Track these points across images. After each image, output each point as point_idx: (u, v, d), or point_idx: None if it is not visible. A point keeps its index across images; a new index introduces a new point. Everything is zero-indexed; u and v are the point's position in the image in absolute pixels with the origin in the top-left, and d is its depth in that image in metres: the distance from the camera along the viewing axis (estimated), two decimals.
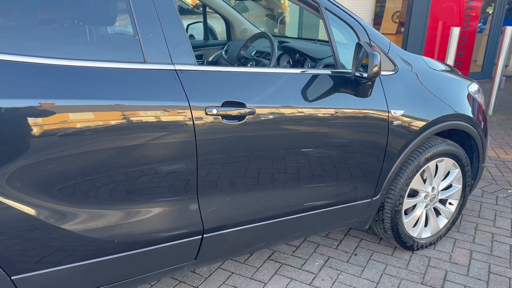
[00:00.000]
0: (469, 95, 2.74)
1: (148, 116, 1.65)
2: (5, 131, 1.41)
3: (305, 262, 2.62)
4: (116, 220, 1.69)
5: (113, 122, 1.58)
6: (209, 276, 2.47)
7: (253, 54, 2.86)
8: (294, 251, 2.72)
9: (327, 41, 2.22)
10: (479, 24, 10.63)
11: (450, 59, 5.50)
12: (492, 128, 5.50)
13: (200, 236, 1.91)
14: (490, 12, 8.82)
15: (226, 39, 3.48)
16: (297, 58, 2.65)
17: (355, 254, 2.72)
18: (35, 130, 1.46)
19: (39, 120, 1.46)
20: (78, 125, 1.53)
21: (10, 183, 1.45)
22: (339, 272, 2.53)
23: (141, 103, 1.64)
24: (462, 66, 6.43)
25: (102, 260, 1.70)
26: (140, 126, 1.64)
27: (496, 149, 4.74)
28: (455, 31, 5.47)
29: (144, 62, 1.68)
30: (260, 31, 2.88)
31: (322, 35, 5.27)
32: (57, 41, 1.58)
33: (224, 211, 1.94)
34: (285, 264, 2.59)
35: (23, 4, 1.54)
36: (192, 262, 2.00)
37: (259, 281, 2.44)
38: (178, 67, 1.74)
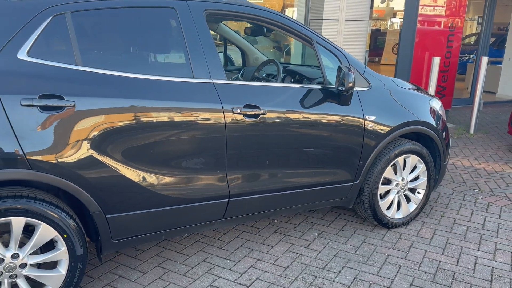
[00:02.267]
0: (430, 108, 3.55)
1: (196, 113, 2.48)
2: (114, 122, 2.24)
3: (303, 234, 3.38)
4: (174, 182, 2.49)
5: (174, 117, 2.41)
6: (230, 242, 3.23)
7: (263, 75, 3.71)
8: (295, 228, 3.49)
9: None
10: (471, 55, 11.55)
11: (433, 84, 6.33)
12: (471, 144, 6.28)
13: (227, 200, 2.70)
14: (471, 43, 9.72)
15: (241, 65, 4.34)
16: (297, 78, 3.50)
17: (343, 230, 3.48)
18: (129, 122, 2.28)
19: (133, 114, 2.29)
20: (155, 119, 2.36)
21: (117, 155, 2.26)
22: (329, 240, 3.29)
23: (192, 105, 2.47)
24: (446, 91, 7.26)
25: (162, 210, 2.49)
26: (191, 120, 2.46)
27: (471, 160, 5.51)
28: (436, 60, 6.33)
29: (193, 77, 2.52)
30: (269, 58, 3.74)
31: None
32: (143, 63, 2.45)
33: (243, 183, 2.73)
34: (288, 235, 3.36)
35: (120, 40, 2.40)
36: (220, 220, 2.78)
37: (268, 245, 3.20)
38: (214, 81, 2.57)
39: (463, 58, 11.39)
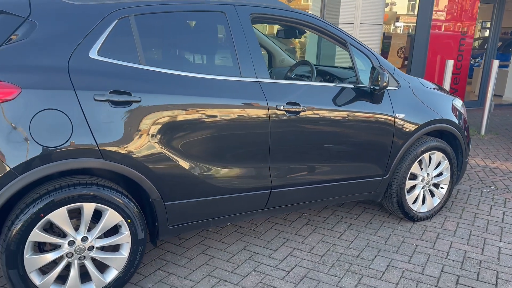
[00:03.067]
0: (453, 106, 3.74)
1: (244, 109, 2.67)
2: (173, 117, 2.43)
3: (333, 226, 3.56)
4: (224, 173, 2.68)
5: (225, 113, 2.60)
6: (265, 232, 3.42)
7: (293, 76, 3.90)
8: (324, 220, 3.68)
9: (347, 67, 3.24)
10: (477, 59, 11.75)
11: (446, 87, 6.52)
12: (483, 144, 6.46)
13: (269, 191, 2.89)
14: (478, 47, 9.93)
15: (268, 67, 4.54)
16: (327, 78, 3.69)
17: (371, 223, 3.66)
18: (186, 117, 2.48)
19: (189, 110, 2.48)
20: (207, 115, 2.55)
21: (176, 147, 2.45)
22: (359, 232, 3.48)
23: (241, 102, 2.66)
24: (457, 93, 7.46)
25: (213, 198, 2.68)
26: (240, 115, 2.65)
27: (485, 159, 5.69)
28: (450, 63, 6.53)
29: (241, 76, 2.72)
30: (302, 60, 3.95)
31: (336, 63, 6.29)
32: (197, 63, 2.64)
33: (284, 175, 2.92)
34: (319, 227, 3.54)
35: (177, 41, 2.60)
36: (262, 210, 2.97)
37: (302, 235, 3.38)
38: (259, 79, 2.77)
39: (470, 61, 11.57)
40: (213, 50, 2.85)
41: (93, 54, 2.30)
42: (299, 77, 3.87)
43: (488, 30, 12.12)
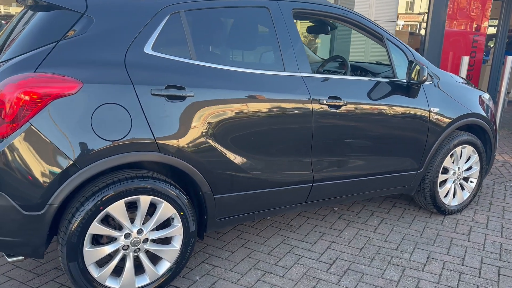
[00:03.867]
0: (483, 101, 3.78)
1: (289, 103, 2.69)
2: (223, 111, 2.46)
3: (366, 220, 3.60)
4: (269, 166, 2.70)
5: (271, 107, 2.63)
6: (299, 226, 3.45)
7: (323, 70, 3.93)
8: (357, 214, 3.71)
9: (375, 62, 3.26)
10: (484, 57, 11.81)
11: None
12: (499, 140, 6.51)
13: (311, 184, 2.92)
14: (492, 46, 9.99)
15: None
16: (359, 73, 3.73)
17: (403, 216, 3.70)
18: (235, 111, 2.50)
19: (238, 104, 2.51)
20: (254, 109, 2.58)
21: (225, 141, 2.48)
22: (393, 226, 3.51)
23: (285, 96, 2.69)
24: None
25: (258, 192, 2.71)
26: (285, 109, 2.68)
27: (503, 154, 5.74)
28: (465, 60, 6.57)
29: (284, 71, 2.74)
30: (335, 55, 3.98)
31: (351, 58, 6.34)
32: (244, 57, 2.67)
33: (325, 169, 2.95)
34: (352, 221, 3.58)
35: (224, 36, 2.63)
36: (302, 204, 3.00)
37: (337, 229, 3.42)
38: (302, 74, 2.80)
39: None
40: (258, 45, 2.87)
41: (148, 49, 2.33)
42: (329, 72, 3.90)
43: (495, 27, 12.21)
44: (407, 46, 3.34)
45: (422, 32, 8.11)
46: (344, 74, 3.54)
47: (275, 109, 2.65)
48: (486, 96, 3.92)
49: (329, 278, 2.73)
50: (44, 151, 2.06)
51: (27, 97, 2.02)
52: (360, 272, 2.82)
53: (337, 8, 3.04)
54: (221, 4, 2.60)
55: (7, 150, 2.02)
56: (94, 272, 2.28)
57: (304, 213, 3.70)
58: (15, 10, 7.59)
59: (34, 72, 2.08)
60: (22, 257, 2.25)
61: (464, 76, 6.54)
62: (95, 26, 2.24)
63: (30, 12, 2.43)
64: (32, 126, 2.03)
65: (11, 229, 2.09)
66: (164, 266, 2.48)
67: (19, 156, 2.03)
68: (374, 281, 2.72)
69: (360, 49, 7.26)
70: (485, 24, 7.49)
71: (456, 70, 6.83)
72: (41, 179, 2.07)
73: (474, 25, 7.35)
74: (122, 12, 2.32)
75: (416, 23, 8.81)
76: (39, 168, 2.06)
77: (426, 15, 7.46)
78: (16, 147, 2.02)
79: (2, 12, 7.45)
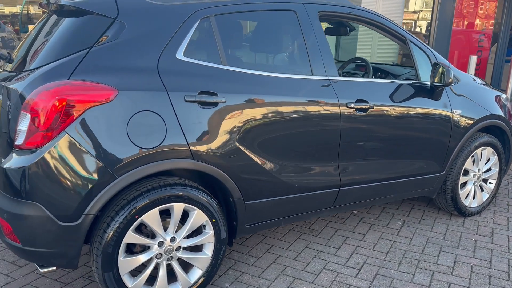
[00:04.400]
0: (502, 102, 3.77)
1: (317, 107, 2.67)
2: (254, 117, 2.42)
3: (388, 223, 3.58)
4: (297, 172, 2.68)
5: (301, 111, 2.60)
6: (321, 230, 3.42)
7: (342, 72, 3.90)
8: (377, 217, 3.69)
9: (393, 64, 3.23)
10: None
11: None
12: None
13: (338, 189, 2.90)
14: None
15: None
16: (378, 75, 3.70)
17: (423, 219, 3.69)
18: (265, 116, 2.47)
19: (268, 109, 2.48)
20: (285, 114, 2.55)
21: (255, 146, 2.45)
22: (415, 229, 3.50)
23: (314, 100, 2.66)
24: None
25: (287, 197, 2.68)
26: (315, 113, 2.65)
27: None
28: (473, 59, 6.57)
29: (312, 74, 2.72)
30: (356, 57, 3.95)
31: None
32: (273, 62, 2.64)
33: (352, 173, 2.93)
34: (374, 224, 3.56)
35: (253, 40, 2.59)
36: (329, 208, 2.98)
37: (360, 233, 3.40)
38: (329, 77, 2.77)
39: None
40: (286, 49, 2.84)
41: (180, 55, 2.29)
42: (349, 74, 3.88)
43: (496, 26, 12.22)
44: (430, 48, 3.32)
45: (421, 30, 8.11)
46: (363, 76, 3.52)
47: (304, 114, 2.62)
48: (504, 96, 3.91)
49: (360, 284, 2.71)
50: (80, 160, 2.02)
51: (62, 105, 1.98)
52: (390, 277, 2.80)
53: (361, 10, 3.02)
54: (249, 8, 2.57)
55: (42, 160, 1.97)
56: (128, 282, 2.24)
57: (324, 216, 3.68)
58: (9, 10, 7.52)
59: (68, 79, 2.04)
60: (54, 268, 2.21)
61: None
62: (127, 31, 2.20)
63: (55, 18, 2.40)
64: (68, 135, 1.99)
65: (46, 240, 2.05)
66: (196, 274, 2.45)
67: (54, 165, 1.99)
68: (405, 286, 2.70)
69: (367, 49, 7.25)
70: (491, 23, 7.50)
71: (463, 70, 6.84)
72: (77, 189, 2.03)
73: (479, 23, 7.36)
74: (153, 17, 2.29)
75: (423, 21, 8.80)
76: (75, 178, 2.02)
77: (431, 13, 7.46)
78: (52, 156, 1.98)
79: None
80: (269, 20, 2.69)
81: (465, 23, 7.34)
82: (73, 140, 2.00)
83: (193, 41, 2.35)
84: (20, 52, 2.50)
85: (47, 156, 1.98)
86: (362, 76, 3.69)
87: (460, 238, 3.35)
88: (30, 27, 8.05)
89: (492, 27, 7.62)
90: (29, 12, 8.20)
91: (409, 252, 3.11)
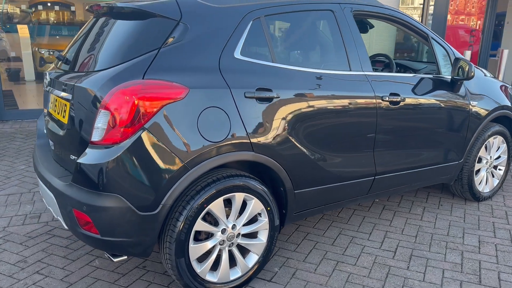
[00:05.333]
0: (507, 92, 4.04)
1: (358, 101, 2.86)
2: (302, 111, 2.60)
3: (410, 210, 3.81)
4: (339, 161, 2.87)
5: (344, 104, 2.79)
6: (349, 218, 3.63)
7: None
8: (398, 204, 3.92)
9: (411, 59, 3.46)
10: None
11: None
12: None
13: (373, 177, 3.10)
14: None
15: None
16: (398, 70, 3.92)
17: (441, 204, 3.93)
18: (312, 111, 2.65)
19: (314, 104, 2.66)
20: (329, 108, 2.73)
21: (304, 138, 2.62)
22: (436, 214, 3.73)
23: (354, 94, 2.85)
24: None
25: (329, 186, 2.87)
26: (354, 106, 2.84)
27: None
28: (467, 54, 6.89)
29: (350, 70, 2.91)
30: (378, 53, 4.16)
31: None
32: (316, 58, 2.82)
33: (385, 162, 3.13)
34: (397, 211, 3.78)
35: (298, 39, 2.76)
36: (364, 196, 3.18)
37: (386, 219, 3.61)
38: (365, 72, 2.97)
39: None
40: (326, 46, 3.02)
41: (237, 54, 2.44)
42: None
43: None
44: (448, 44, 3.55)
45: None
46: (382, 71, 3.72)
47: (346, 107, 2.81)
48: (510, 87, 4.18)
49: (399, 265, 2.92)
50: (157, 154, 2.15)
51: (140, 104, 2.11)
52: (424, 257, 3.02)
53: (389, 9, 3.22)
54: (293, 9, 2.74)
55: (123, 155, 2.10)
56: (197, 267, 2.39)
57: (358, 204, 3.87)
58: None
59: (143, 79, 2.17)
60: (126, 257, 2.34)
61: None
62: (191, 33, 2.34)
63: (113, 20, 2.51)
64: (146, 131, 2.12)
65: (126, 230, 2.18)
66: (253, 259, 2.61)
67: (134, 159, 2.12)
68: (440, 264, 2.92)
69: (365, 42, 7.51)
70: (482, 19, 7.85)
71: None
72: (155, 181, 2.17)
73: (472, 20, 7.70)
74: (212, 18, 2.43)
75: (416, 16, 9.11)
76: (153, 171, 2.16)
77: (422, 9, 7.75)
78: (132, 151, 2.11)
79: None
80: (311, 19, 2.86)
81: (457, 17, 7.67)
82: (151, 135, 2.13)
83: (247, 40, 2.50)
84: (76, 53, 2.61)
85: (128, 151, 2.11)
86: (382, 71, 3.90)
87: (478, 220, 3.60)
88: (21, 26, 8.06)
89: (482, 23, 7.97)
90: (8, 11, 8.21)
91: (436, 235, 3.34)
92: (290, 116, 2.57)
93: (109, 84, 2.16)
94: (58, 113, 2.58)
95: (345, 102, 2.81)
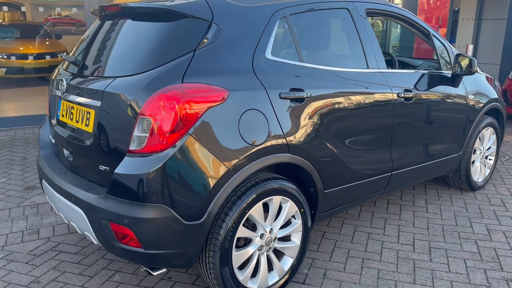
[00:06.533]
0: (497, 87, 4.24)
1: (376, 97, 2.88)
2: (331, 110, 2.58)
3: (414, 203, 3.90)
4: (362, 159, 2.88)
5: (366, 102, 2.81)
6: (359, 214, 3.66)
7: None
8: (401, 198, 4.00)
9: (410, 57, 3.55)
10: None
11: None
12: None
13: (390, 173, 3.14)
14: None
15: None
16: (399, 67, 4.00)
17: (441, 196, 4.06)
18: (339, 109, 2.64)
19: (341, 102, 2.65)
20: (354, 105, 2.73)
21: (333, 137, 2.61)
22: (439, 205, 3.85)
23: (374, 91, 2.87)
24: None
25: (353, 184, 2.87)
26: (376, 103, 2.87)
27: None
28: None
29: (368, 68, 2.93)
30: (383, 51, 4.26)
31: None
32: (339, 57, 2.81)
33: (400, 158, 3.18)
34: (403, 204, 3.86)
35: (320, 37, 2.75)
36: (381, 192, 3.22)
37: (395, 213, 3.68)
38: (381, 70, 3.00)
39: None
40: (347, 44, 3.01)
41: (268, 54, 2.39)
42: None
43: None
44: (447, 41, 3.67)
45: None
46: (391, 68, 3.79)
47: (369, 104, 2.84)
48: (497, 82, 4.39)
49: (421, 257, 2.97)
50: (203, 160, 2.06)
51: (183, 108, 2.01)
52: (442, 248, 3.10)
53: (395, 7, 3.28)
54: (313, 7, 2.72)
55: (169, 162, 2.00)
56: (239, 275, 2.32)
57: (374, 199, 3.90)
58: None
59: (182, 82, 2.07)
60: (165, 270, 2.23)
61: None
62: (223, 33, 2.26)
63: (133, 22, 2.39)
64: (191, 137, 2.03)
65: (170, 241, 2.08)
66: (288, 262, 2.57)
67: (180, 167, 2.02)
68: (459, 254, 3.01)
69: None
70: (446, 16, 8.21)
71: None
72: (201, 188, 2.07)
73: (437, 18, 8.03)
74: (242, 18, 2.36)
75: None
76: (199, 177, 2.06)
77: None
78: (177, 158, 2.01)
79: None
80: (330, 18, 2.85)
81: (424, 15, 7.97)
82: (195, 141, 2.04)
83: (276, 40, 2.45)
84: (96, 57, 2.46)
85: (173, 159, 2.00)
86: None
87: (480, 209, 3.75)
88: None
89: (446, 20, 8.33)
90: None
91: (446, 226, 3.44)
92: (320, 116, 2.55)
93: (148, 89, 2.04)
94: (76, 121, 2.41)
95: (368, 99, 2.83)
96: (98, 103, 2.21)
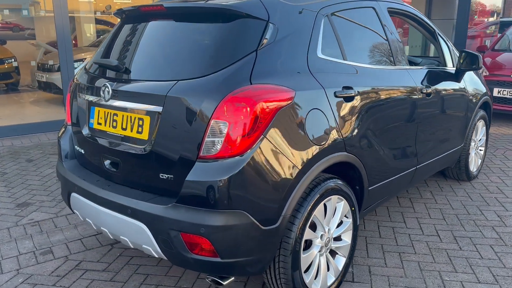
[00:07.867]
0: (484, 80, 4.50)
1: (402, 91, 2.96)
2: (374, 107, 2.62)
3: (421, 195, 4.04)
4: (398, 155, 2.95)
5: (403, 98, 2.89)
6: (375, 210, 3.74)
7: None
8: (407, 192, 4.14)
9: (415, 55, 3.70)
10: None
11: None
12: None
13: (415, 168, 3.23)
14: None
15: None
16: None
17: (442, 187, 4.24)
18: (380, 107, 2.68)
19: (382, 99, 2.70)
20: (393, 102, 2.79)
21: (378, 134, 2.64)
22: (444, 196, 4.01)
23: (399, 84, 2.95)
24: None
25: (389, 180, 2.92)
26: (407, 100, 2.95)
27: None
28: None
29: (394, 65, 3.00)
30: None
31: None
32: (375, 56, 2.85)
33: (422, 152, 3.28)
34: (411, 198, 3.99)
35: (358, 35, 2.78)
36: (406, 186, 3.31)
37: (408, 207, 3.79)
38: (405, 66, 3.09)
39: None
40: (376, 42, 3.04)
41: (319, 53, 2.38)
42: None
43: None
44: (448, 40, 3.85)
45: None
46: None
47: (402, 101, 2.95)
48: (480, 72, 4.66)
49: (451, 247, 3.09)
50: (278, 162, 2.01)
51: (257, 110, 1.95)
52: (466, 237, 3.23)
53: (410, 7, 3.40)
54: (348, 7, 2.74)
55: (247, 166, 1.92)
56: (305, 278, 2.28)
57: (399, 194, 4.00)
58: None
59: (250, 84, 2.01)
60: (233, 278, 2.15)
61: None
62: (280, 33, 2.22)
63: (179, 23, 2.29)
64: (266, 139, 1.97)
65: (248, 248, 2.00)
66: (341, 261, 2.57)
67: (257, 170, 1.96)
68: (484, 241, 3.16)
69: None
70: None
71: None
72: (277, 191, 2.02)
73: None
74: (293, 17, 2.33)
75: None
76: (275, 180, 2.01)
77: None
78: (254, 162, 1.94)
79: None
80: (360, 16, 2.88)
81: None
82: (270, 144, 1.98)
83: (324, 39, 2.44)
84: (141, 60, 2.32)
85: (251, 162, 1.93)
86: None
87: (482, 198, 3.96)
88: None
89: None
90: None
91: (460, 215, 3.59)
92: (367, 113, 2.58)
93: (218, 92, 1.96)
94: (123, 129, 2.26)
95: (401, 95, 2.92)
96: (158, 109, 2.08)
